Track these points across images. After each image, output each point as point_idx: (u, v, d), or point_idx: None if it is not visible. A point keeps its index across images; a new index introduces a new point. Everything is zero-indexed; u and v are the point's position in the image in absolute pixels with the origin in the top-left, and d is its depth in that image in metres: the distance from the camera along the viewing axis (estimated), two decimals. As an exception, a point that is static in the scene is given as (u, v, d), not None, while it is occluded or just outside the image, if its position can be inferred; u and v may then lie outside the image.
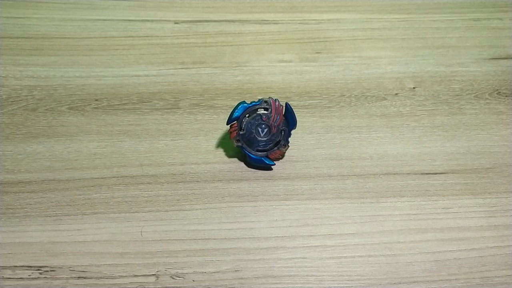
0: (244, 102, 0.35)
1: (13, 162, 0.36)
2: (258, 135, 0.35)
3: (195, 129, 0.39)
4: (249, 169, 0.36)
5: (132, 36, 0.48)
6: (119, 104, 0.41)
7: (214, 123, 0.40)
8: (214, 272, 0.31)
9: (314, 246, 0.32)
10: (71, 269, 0.31)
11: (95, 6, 0.52)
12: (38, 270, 0.31)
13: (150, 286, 0.30)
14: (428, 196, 0.35)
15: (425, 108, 0.42)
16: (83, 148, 0.37)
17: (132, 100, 0.41)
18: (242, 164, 0.37)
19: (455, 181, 0.36)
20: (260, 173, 0.36)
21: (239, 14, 0.51)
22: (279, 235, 0.33)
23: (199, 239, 0.32)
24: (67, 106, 0.41)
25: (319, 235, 0.33)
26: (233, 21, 0.50)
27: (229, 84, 0.43)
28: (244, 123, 0.35)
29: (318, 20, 0.51)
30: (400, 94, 0.43)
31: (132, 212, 0.33)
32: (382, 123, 0.40)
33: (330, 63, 0.46)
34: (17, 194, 0.34)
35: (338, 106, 0.42)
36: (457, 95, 0.43)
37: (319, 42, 0.48)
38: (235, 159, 0.37)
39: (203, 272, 0.31)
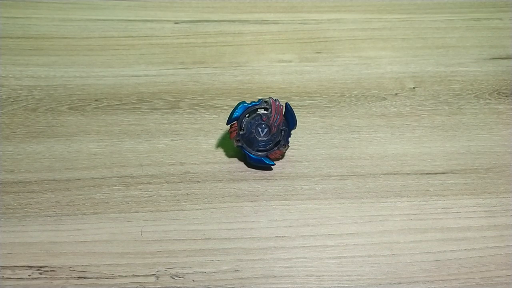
0: (244, 102, 0.35)
1: (13, 162, 0.36)
2: (258, 135, 0.35)
3: (195, 129, 0.39)
4: (249, 169, 0.36)
5: (132, 36, 0.48)
6: (119, 104, 0.41)
7: (214, 123, 0.40)
8: (214, 272, 0.31)
9: (314, 246, 0.32)
10: (71, 269, 0.31)
11: (95, 6, 0.52)
12: (38, 270, 0.31)
13: (150, 286, 0.30)
14: (428, 196, 0.35)
15: (425, 108, 0.42)
16: (83, 148, 0.37)
17: (132, 100, 0.41)
18: (242, 164, 0.37)
19: (455, 181, 0.36)
20: (260, 173, 0.36)
21: (239, 14, 0.51)
22: (279, 235, 0.33)
23: (199, 239, 0.32)
24: (67, 106, 0.41)
25: (319, 235, 0.33)
26: (233, 21, 0.50)
27: (229, 84, 0.43)
28: (244, 123, 0.35)
29: (318, 20, 0.51)
30: (400, 94, 0.43)
31: (132, 212, 0.33)
32: (382, 123, 0.40)
33: (330, 63, 0.46)
34: (17, 194, 0.34)
35: (338, 106, 0.42)
36: (457, 95, 0.43)
37: (319, 42, 0.48)
38: (235, 159, 0.37)
39: (203, 272, 0.31)
